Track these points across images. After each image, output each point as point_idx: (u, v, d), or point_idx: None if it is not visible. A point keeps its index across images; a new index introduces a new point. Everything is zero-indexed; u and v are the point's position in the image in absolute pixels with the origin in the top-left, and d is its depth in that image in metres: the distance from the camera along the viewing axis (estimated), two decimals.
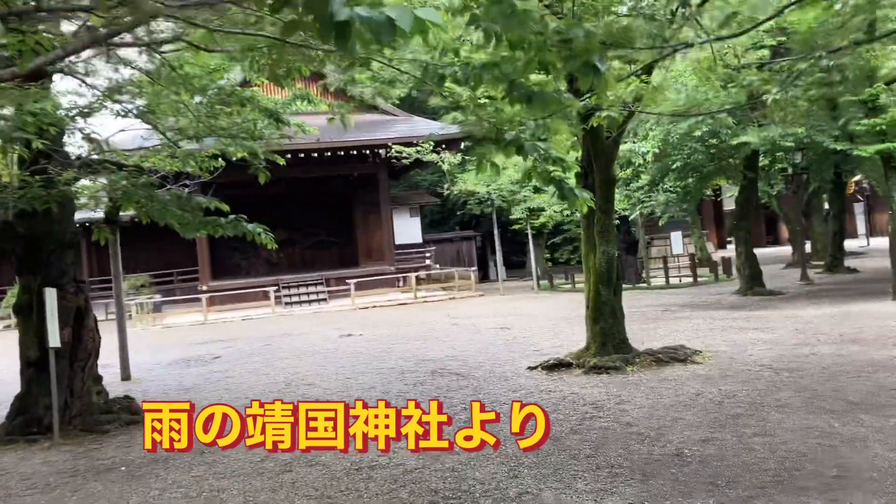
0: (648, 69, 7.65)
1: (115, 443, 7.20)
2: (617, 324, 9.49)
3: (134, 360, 13.49)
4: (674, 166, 14.61)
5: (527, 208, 21.40)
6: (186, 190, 10.03)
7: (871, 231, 40.04)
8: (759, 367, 8.34)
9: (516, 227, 28.19)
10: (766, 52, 10.90)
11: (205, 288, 22.78)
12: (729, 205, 30.40)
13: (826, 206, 24.64)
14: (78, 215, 11.00)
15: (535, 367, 9.34)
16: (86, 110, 9.26)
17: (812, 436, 5.47)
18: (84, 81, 9.23)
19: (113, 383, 10.98)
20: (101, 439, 7.37)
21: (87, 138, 8.94)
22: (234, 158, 9.27)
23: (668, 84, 8.63)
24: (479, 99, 5.83)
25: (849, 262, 22.00)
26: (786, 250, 31.22)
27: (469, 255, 30.87)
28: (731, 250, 40.01)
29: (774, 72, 8.08)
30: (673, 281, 22.09)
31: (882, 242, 36.71)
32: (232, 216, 7.65)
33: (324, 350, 12.86)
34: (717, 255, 29.82)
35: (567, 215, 20.51)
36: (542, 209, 20.98)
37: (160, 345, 16.02)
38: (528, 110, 4.55)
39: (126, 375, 11.24)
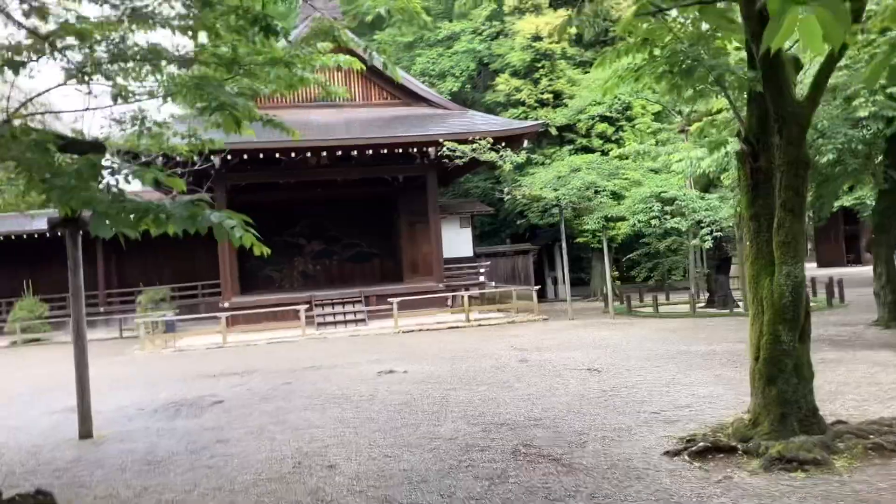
0: None
1: None
2: (804, 387, 6.12)
3: (117, 400, 10.62)
4: (823, 160, 11.07)
5: (602, 217, 18.03)
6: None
7: None
8: None
9: (581, 239, 24.85)
10: None
11: (227, 304, 19.89)
12: None
13: None
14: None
15: (678, 453, 6.00)
16: (15, 58, 6.39)
17: None
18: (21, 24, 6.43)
19: (63, 445, 8.00)
20: None
21: None
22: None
23: None
24: None
25: None
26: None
27: (525, 272, 27.55)
28: (810, 269, 35.95)
29: None
30: None
31: None
32: (186, 198, 4.46)
33: (357, 396, 9.69)
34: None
35: (653, 225, 17.10)
36: (623, 218, 17.59)
37: (160, 377, 13.06)
38: None
39: (86, 432, 8.22)
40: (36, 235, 23.83)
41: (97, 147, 7.00)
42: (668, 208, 16.89)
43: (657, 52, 6.70)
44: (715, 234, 16.09)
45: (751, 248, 6.36)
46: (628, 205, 17.19)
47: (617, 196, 18.27)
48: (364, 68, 8.23)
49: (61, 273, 25.18)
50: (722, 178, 15.02)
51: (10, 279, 24.96)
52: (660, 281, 21.90)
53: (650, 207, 16.81)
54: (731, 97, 6.80)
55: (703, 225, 16.25)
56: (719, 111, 14.29)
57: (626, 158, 19.55)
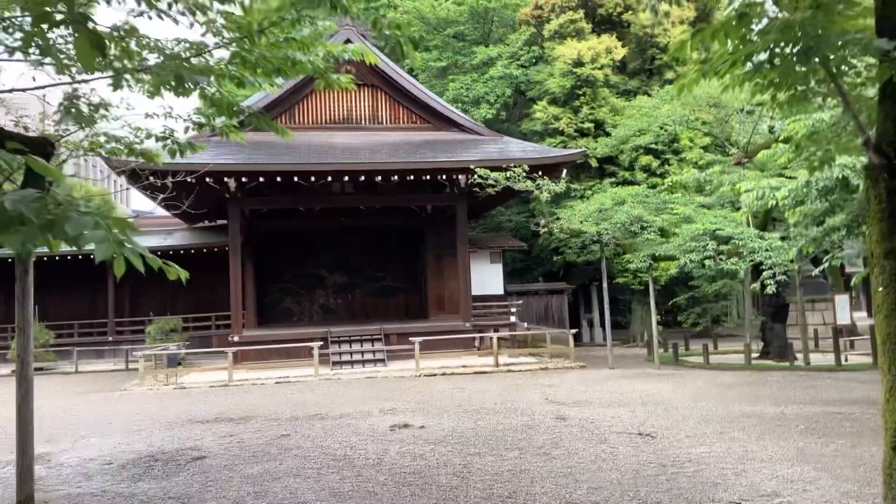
0: None
1: None
2: None
3: (87, 450, 9.18)
4: None
5: (649, 255, 16.31)
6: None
7: None
8: None
9: (621, 279, 23.12)
10: None
11: (236, 339, 18.44)
12: None
13: None
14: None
15: None
16: None
17: None
18: None
19: None
20: None
21: None
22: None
23: None
24: None
25: None
26: None
27: (560, 313, 25.81)
28: (861, 319, 33.74)
29: None
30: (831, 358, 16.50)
31: None
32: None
33: (361, 459, 8.08)
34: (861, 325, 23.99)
35: (706, 266, 15.31)
36: (671, 257, 15.86)
37: (147, 420, 11.58)
38: None
39: (25, 496, 6.68)
40: (45, 259, 22.75)
41: (40, 144, 5.63)
42: (723, 248, 15.14)
43: (754, 36, 5.17)
44: (779, 277, 14.31)
45: (885, 296, 4.68)
46: (679, 242, 15.45)
47: (664, 233, 16.61)
48: (377, 62, 6.80)
49: (70, 299, 24.17)
50: (788, 214, 13.26)
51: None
52: (707, 327, 20.05)
53: (704, 246, 15.07)
54: (846, 94, 5.22)
55: (763, 267, 14.47)
56: (787, 139, 12.65)
57: (675, 192, 17.88)
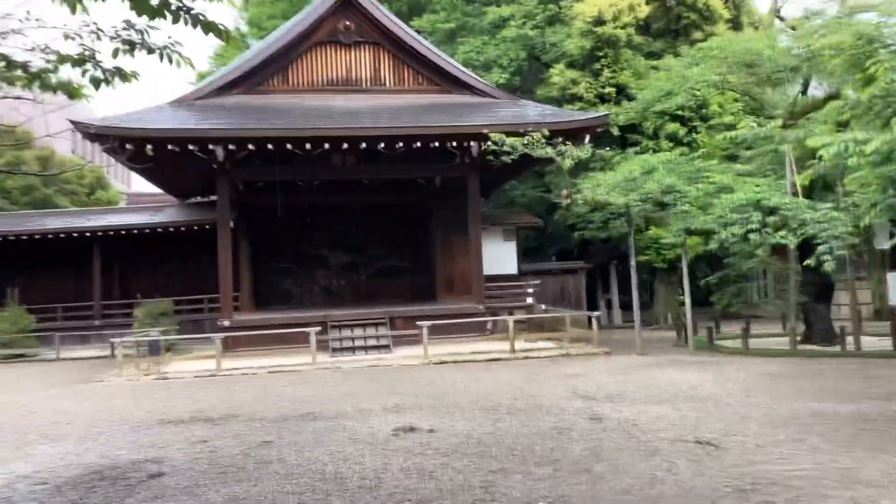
0: None
1: None
2: None
3: (26, 462, 7.64)
4: None
5: (683, 229, 14.56)
6: None
7: None
8: None
9: (643, 257, 21.41)
10: None
11: (226, 323, 16.86)
12: None
13: None
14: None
15: None
16: None
17: None
18: None
19: None
20: None
21: None
22: None
23: None
24: None
25: None
26: None
27: (577, 293, 24.16)
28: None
29: None
30: (887, 342, 14.79)
31: None
32: None
33: (355, 478, 6.45)
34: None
35: (751, 240, 13.45)
36: (709, 231, 14.09)
37: (112, 420, 10.00)
38: None
39: None
40: (25, 237, 21.24)
41: None
42: (770, 219, 13.37)
43: None
44: (837, 252, 12.57)
45: None
46: (718, 214, 13.68)
47: (695, 204, 14.84)
48: None
49: (52, 280, 22.58)
50: (848, 180, 11.54)
51: None
52: (739, 309, 18.40)
53: (747, 218, 13.31)
54: None
55: (817, 241, 12.73)
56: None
57: (711, 159, 16.10)
